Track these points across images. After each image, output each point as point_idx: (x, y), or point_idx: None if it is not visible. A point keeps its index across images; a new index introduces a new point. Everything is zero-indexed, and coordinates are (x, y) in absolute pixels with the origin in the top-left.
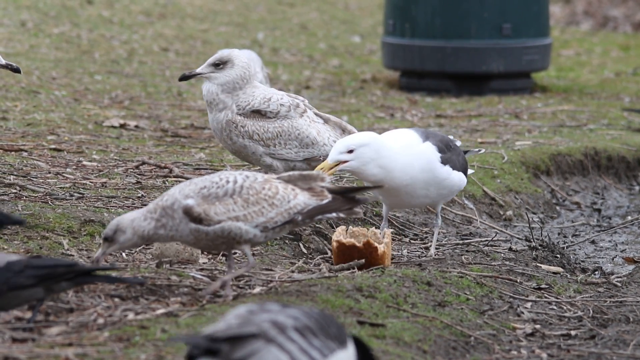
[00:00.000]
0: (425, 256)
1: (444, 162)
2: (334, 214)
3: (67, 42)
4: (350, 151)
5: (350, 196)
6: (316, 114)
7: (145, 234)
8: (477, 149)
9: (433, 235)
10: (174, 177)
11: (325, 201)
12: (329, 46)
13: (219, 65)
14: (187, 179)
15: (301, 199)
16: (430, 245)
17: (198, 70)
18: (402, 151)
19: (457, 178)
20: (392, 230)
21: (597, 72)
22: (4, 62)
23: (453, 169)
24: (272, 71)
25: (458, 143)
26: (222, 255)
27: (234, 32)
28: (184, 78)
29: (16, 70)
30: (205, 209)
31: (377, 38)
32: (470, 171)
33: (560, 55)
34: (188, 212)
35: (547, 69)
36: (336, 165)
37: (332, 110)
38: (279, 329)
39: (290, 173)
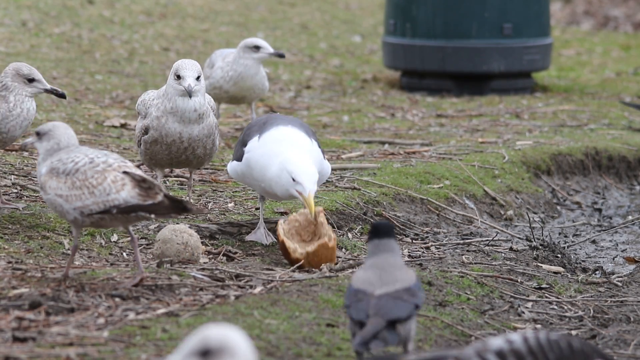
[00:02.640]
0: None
1: (323, 156)
2: (152, 215)
3: (68, 42)
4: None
5: (180, 205)
6: None
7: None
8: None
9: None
10: (175, 176)
11: (148, 202)
12: (329, 46)
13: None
14: (187, 178)
15: (123, 195)
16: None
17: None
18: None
19: (329, 169)
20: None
21: (597, 71)
22: (48, 87)
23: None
24: (273, 71)
25: None
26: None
27: (235, 31)
28: None
29: (61, 96)
30: (45, 180)
31: (378, 38)
32: None
33: (561, 55)
34: (38, 178)
35: (548, 68)
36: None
37: (333, 110)
38: (478, 351)
39: (136, 172)
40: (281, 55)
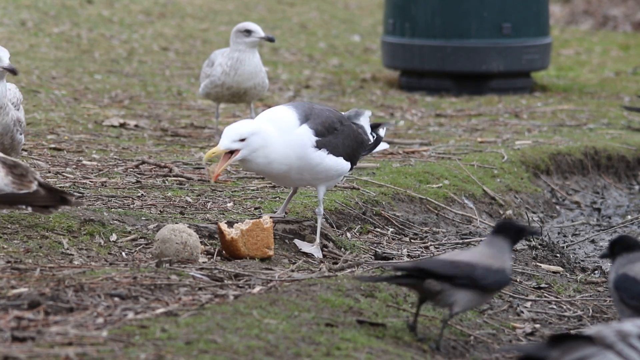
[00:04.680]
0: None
1: (320, 146)
2: (26, 206)
3: (67, 42)
4: (242, 140)
5: (57, 196)
6: None
7: None
8: (392, 122)
9: (316, 227)
10: (174, 176)
11: (23, 191)
12: (328, 45)
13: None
14: (187, 178)
15: None
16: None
17: None
18: (280, 139)
19: (333, 162)
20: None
21: (597, 71)
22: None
23: (330, 153)
24: (272, 70)
25: (366, 114)
26: None
27: None
28: None
29: None
30: None
31: (377, 37)
32: (384, 145)
33: (560, 55)
34: None
35: (547, 68)
36: (228, 153)
37: None
38: (621, 335)
39: (6, 157)
40: (271, 39)
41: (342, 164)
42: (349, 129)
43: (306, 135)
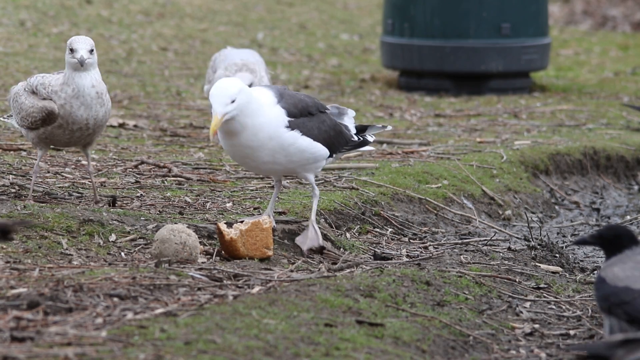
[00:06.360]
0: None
1: (293, 127)
2: None
3: (66, 42)
4: (233, 101)
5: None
6: None
7: None
8: (380, 125)
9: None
10: (173, 176)
11: None
12: (327, 46)
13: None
14: (186, 178)
15: None
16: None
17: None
18: (261, 109)
19: (307, 144)
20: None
21: (596, 71)
22: None
23: (304, 135)
24: (271, 70)
25: (350, 114)
26: None
27: (233, 31)
28: None
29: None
30: None
31: (376, 37)
32: (369, 147)
33: (559, 55)
34: None
35: (546, 68)
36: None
37: None
38: None
39: None
40: None
41: (317, 147)
42: (326, 116)
43: (280, 114)
